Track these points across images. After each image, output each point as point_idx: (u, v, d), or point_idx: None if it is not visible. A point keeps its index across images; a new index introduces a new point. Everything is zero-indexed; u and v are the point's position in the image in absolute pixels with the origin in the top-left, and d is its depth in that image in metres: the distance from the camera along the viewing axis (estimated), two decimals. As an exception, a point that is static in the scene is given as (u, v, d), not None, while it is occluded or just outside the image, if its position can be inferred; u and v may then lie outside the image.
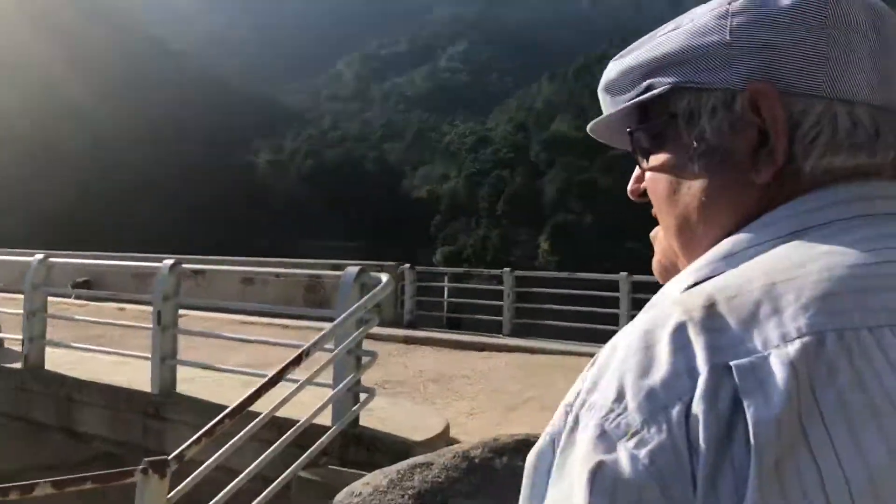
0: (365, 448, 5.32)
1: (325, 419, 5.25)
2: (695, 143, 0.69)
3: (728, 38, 0.67)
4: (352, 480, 4.60)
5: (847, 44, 0.65)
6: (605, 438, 0.53)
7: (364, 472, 4.88)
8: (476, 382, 8.32)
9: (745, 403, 0.50)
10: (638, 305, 11.59)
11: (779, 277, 0.56)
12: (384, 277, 5.58)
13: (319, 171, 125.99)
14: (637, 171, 0.79)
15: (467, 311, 14.93)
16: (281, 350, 8.55)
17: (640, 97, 0.73)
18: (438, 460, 1.95)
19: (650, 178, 0.75)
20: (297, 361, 4.72)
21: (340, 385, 5.28)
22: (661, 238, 0.77)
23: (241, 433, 4.37)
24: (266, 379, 4.60)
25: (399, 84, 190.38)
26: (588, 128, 0.83)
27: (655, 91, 0.72)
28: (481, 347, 10.90)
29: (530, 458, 0.61)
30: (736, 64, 0.66)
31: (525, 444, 2.02)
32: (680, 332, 0.55)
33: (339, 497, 2.02)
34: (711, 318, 0.55)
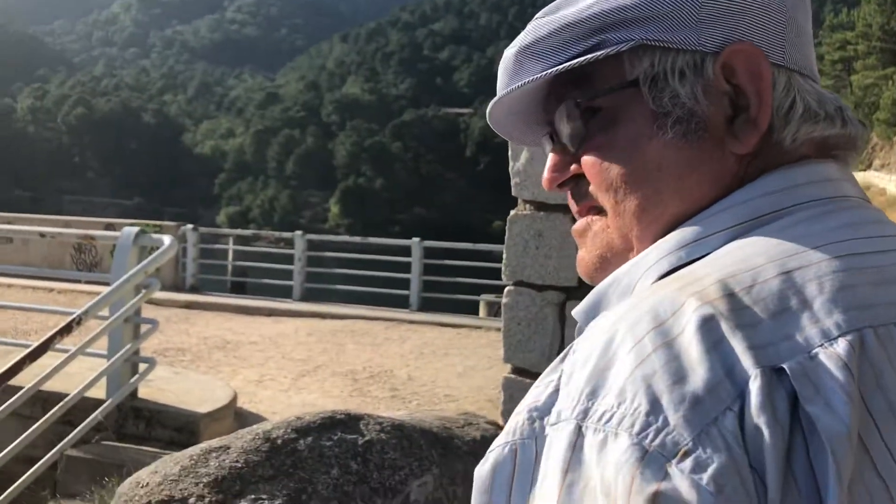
0: (144, 422, 4.96)
1: (98, 392, 4.82)
2: (669, 109, 0.61)
3: None
4: (130, 456, 4.28)
5: (793, 16, 0.63)
6: (652, 461, 0.44)
7: (144, 448, 4.57)
8: (265, 349, 8.07)
9: (811, 413, 0.44)
10: (429, 270, 11.84)
11: (791, 265, 0.51)
12: (167, 239, 5.19)
13: (90, 121, 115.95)
14: (552, 158, 0.69)
15: (255, 276, 14.46)
16: (46, 317, 7.81)
17: (586, 56, 0.62)
18: (236, 443, 1.79)
19: (594, 159, 0.64)
20: (67, 329, 4.28)
21: (117, 355, 4.86)
22: (600, 229, 0.67)
23: (0, 409, 3.90)
24: (31, 348, 4.13)
25: (182, 33, 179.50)
26: (490, 111, 0.71)
27: (611, 49, 0.62)
28: (269, 312, 10.60)
29: (482, 471, 0.51)
30: (708, 25, 0.61)
31: (331, 421, 1.92)
32: (708, 327, 0.47)
33: (122, 488, 1.81)
34: (739, 310, 0.48)
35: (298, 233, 12.60)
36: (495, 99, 0.70)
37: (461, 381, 7.00)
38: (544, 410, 0.50)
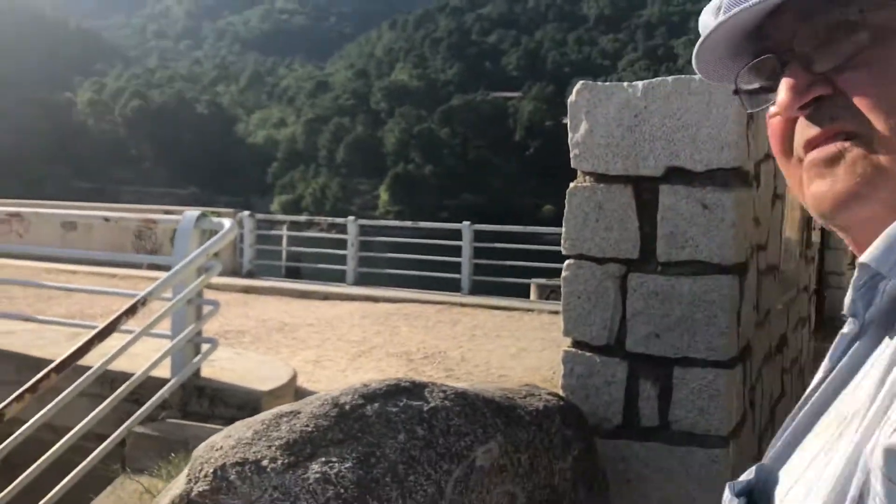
0: (208, 400, 5.08)
1: (163, 371, 4.95)
2: None
3: None
4: (194, 434, 4.39)
5: None
6: None
7: (208, 426, 4.68)
8: (322, 331, 8.18)
9: None
10: (480, 254, 11.85)
11: None
12: (227, 223, 5.30)
13: (146, 113, 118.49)
14: (789, 81, 0.62)
15: (309, 261, 14.65)
16: (110, 300, 8.04)
17: None
18: (306, 408, 1.83)
19: (868, 77, 0.58)
20: (132, 311, 4.40)
21: (180, 336, 4.99)
22: (859, 156, 0.59)
23: (70, 389, 4.03)
24: (98, 329, 4.26)
25: (233, 24, 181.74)
26: (701, 52, 0.68)
27: None
28: (324, 296, 10.73)
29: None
30: None
31: (397, 388, 1.95)
32: None
33: (197, 451, 1.86)
34: None
35: (351, 218, 12.73)
36: (717, 23, 0.64)
37: (515, 361, 7.00)
38: None
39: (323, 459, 1.70)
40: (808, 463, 0.57)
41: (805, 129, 0.62)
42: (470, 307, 9.95)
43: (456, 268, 11.65)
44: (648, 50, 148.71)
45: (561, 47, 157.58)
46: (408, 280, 12.43)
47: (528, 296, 12.02)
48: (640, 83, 2.49)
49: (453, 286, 11.49)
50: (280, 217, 18.39)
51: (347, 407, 1.87)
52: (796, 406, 0.64)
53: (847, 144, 0.59)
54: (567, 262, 2.68)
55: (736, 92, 0.69)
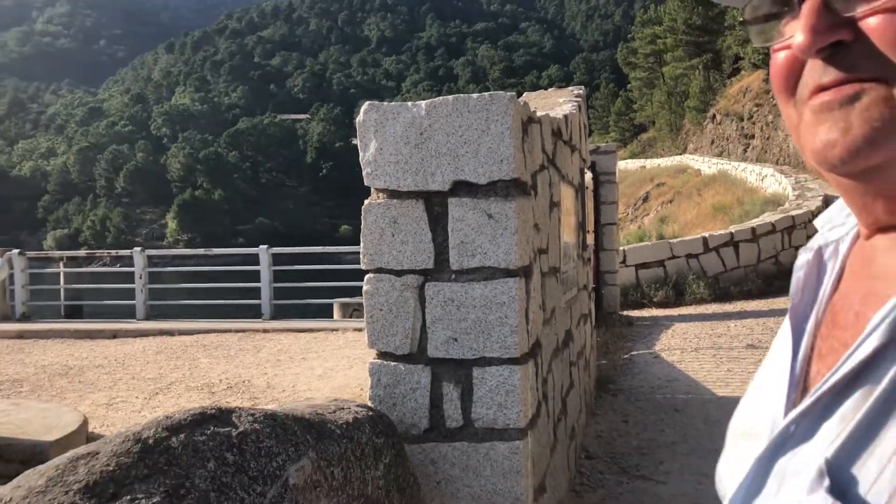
0: (-15, 459, 4.61)
1: (-73, 433, 4.43)
2: None
3: None
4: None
5: None
6: None
7: (-13, 486, 4.25)
8: (112, 371, 7.68)
9: None
10: (279, 277, 11.65)
11: None
12: (-4, 262, 4.85)
13: None
14: (809, 20, 0.57)
15: (92, 298, 13.66)
16: None
17: None
18: (105, 447, 1.75)
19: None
20: None
21: (-53, 391, 4.49)
22: (880, 99, 0.55)
23: None
24: None
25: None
26: None
27: None
28: (113, 334, 10.08)
29: None
30: None
31: (202, 417, 1.91)
32: None
33: (-17, 508, 1.72)
34: None
35: (137, 249, 12.04)
36: None
37: (322, 381, 6.97)
38: None
39: (128, 498, 1.64)
40: None
41: (818, 72, 0.58)
42: (273, 332, 9.77)
43: (256, 293, 11.38)
44: (430, 71, 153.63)
45: (346, 69, 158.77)
46: (205, 310, 11.95)
47: (331, 316, 11.99)
48: (423, 102, 2.62)
49: (255, 312, 11.22)
50: (55, 253, 16.97)
51: (151, 441, 1.81)
52: (829, 384, 0.57)
53: (867, 86, 0.55)
54: (367, 276, 2.75)
55: (743, 22, 0.66)
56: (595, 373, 7.06)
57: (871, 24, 0.54)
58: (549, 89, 7.25)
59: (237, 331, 9.89)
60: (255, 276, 11.40)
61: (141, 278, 11.59)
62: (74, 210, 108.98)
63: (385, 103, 2.64)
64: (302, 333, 9.62)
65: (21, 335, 10.04)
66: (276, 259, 11.67)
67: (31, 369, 7.84)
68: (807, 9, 0.57)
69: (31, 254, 12.90)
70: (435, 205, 2.64)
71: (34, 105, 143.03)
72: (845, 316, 0.61)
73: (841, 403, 0.56)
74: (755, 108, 32.64)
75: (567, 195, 4.29)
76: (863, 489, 0.51)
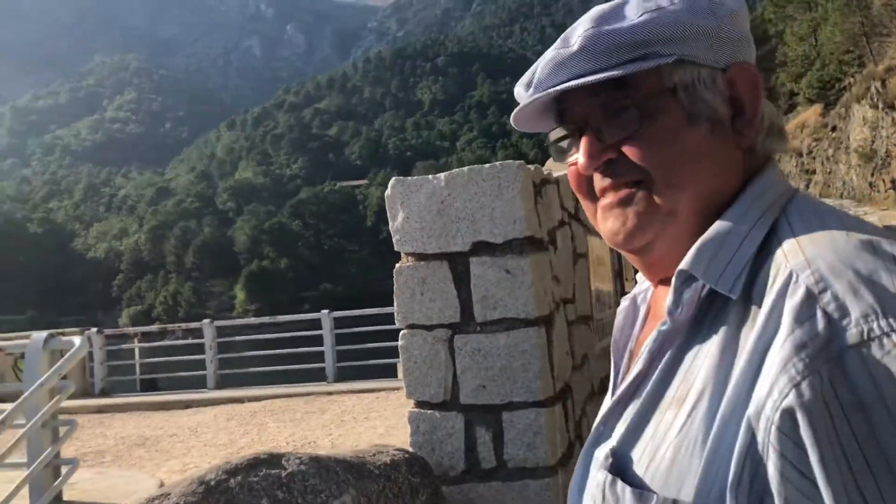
0: (73, 523, 4.98)
1: (22, 502, 4.82)
2: (700, 110, 0.78)
3: (720, 22, 0.79)
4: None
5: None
6: None
7: (76, 547, 4.60)
8: (186, 440, 8.06)
9: None
10: (342, 340, 11.98)
11: (875, 233, 0.70)
12: (77, 340, 5.31)
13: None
14: (587, 147, 0.81)
15: (166, 371, 14.25)
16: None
17: (638, 64, 0.76)
18: (175, 490, 2.06)
19: (644, 145, 0.77)
20: (-17, 442, 4.33)
21: (38, 460, 4.90)
22: (644, 197, 0.78)
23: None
24: (-51, 466, 4.16)
25: (60, 137, 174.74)
26: (517, 116, 0.86)
27: (661, 59, 0.76)
28: (186, 405, 10.51)
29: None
30: (722, 47, 0.80)
31: (256, 461, 2.20)
32: None
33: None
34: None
35: (206, 321, 12.60)
36: (535, 95, 0.82)
37: (383, 440, 7.19)
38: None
39: (194, 530, 1.93)
40: (664, 433, 0.71)
41: (600, 180, 0.81)
42: (337, 394, 10.04)
43: (320, 357, 11.72)
44: (484, 128, 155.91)
45: (400, 133, 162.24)
46: (272, 376, 12.36)
47: (395, 375, 12.22)
48: (442, 175, 2.94)
49: (319, 376, 11.54)
50: (130, 330, 17.77)
51: (213, 483, 2.11)
52: (618, 394, 0.80)
53: (634, 190, 0.78)
54: (402, 332, 3.04)
55: (548, 146, 0.89)
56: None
57: (628, 148, 0.78)
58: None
59: (303, 395, 10.21)
60: (319, 341, 11.77)
61: (211, 349, 12.10)
62: (147, 287, 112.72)
63: (409, 178, 2.97)
64: (365, 394, 9.88)
65: (101, 409, 10.57)
66: (339, 322, 12.01)
67: (112, 441, 8.29)
68: (584, 141, 0.81)
69: (108, 331, 13.61)
70: (458, 264, 2.94)
71: (107, 188, 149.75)
72: (640, 348, 0.83)
73: (625, 409, 0.79)
74: (814, 144, 32.28)
75: (596, 246, 4.53)
76: (637, 467, 0.73)
